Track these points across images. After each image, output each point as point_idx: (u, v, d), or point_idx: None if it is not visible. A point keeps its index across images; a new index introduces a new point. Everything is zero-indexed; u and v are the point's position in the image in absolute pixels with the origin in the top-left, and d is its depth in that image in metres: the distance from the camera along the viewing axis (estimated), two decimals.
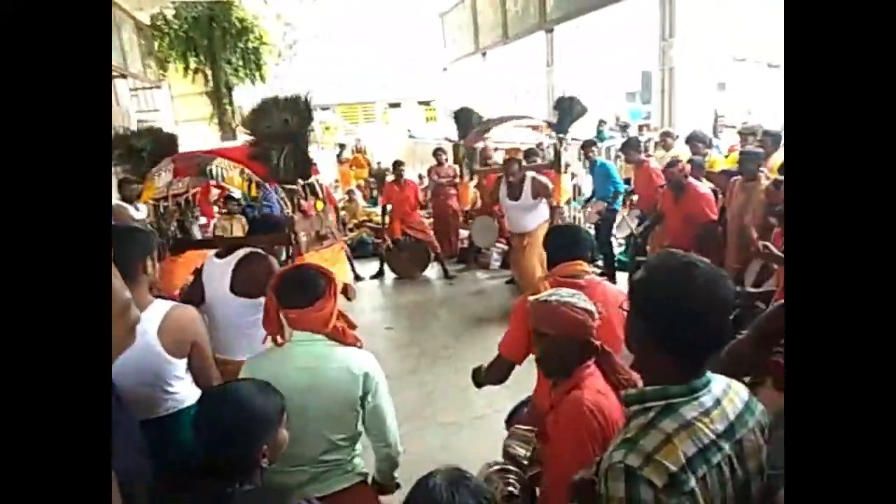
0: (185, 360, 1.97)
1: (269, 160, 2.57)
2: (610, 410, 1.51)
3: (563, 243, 2.33)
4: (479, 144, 6.48)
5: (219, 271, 2.54)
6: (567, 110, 5.29)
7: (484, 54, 12.57)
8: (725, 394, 1.13)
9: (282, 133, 2.57)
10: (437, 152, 7.34)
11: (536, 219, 5.13)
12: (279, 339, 1.80)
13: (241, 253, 2.56)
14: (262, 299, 1.93)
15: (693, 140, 5.35)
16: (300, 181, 2.67)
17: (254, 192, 6.71)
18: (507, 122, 6.31)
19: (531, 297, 1.72)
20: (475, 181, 6.63)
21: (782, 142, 4.72)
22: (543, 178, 5.15)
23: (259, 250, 2.60)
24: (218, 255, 2.64)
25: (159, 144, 3.00)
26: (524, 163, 5.48)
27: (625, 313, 1.20)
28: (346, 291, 2.81)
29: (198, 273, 2.71)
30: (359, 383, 1.75)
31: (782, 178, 3.64)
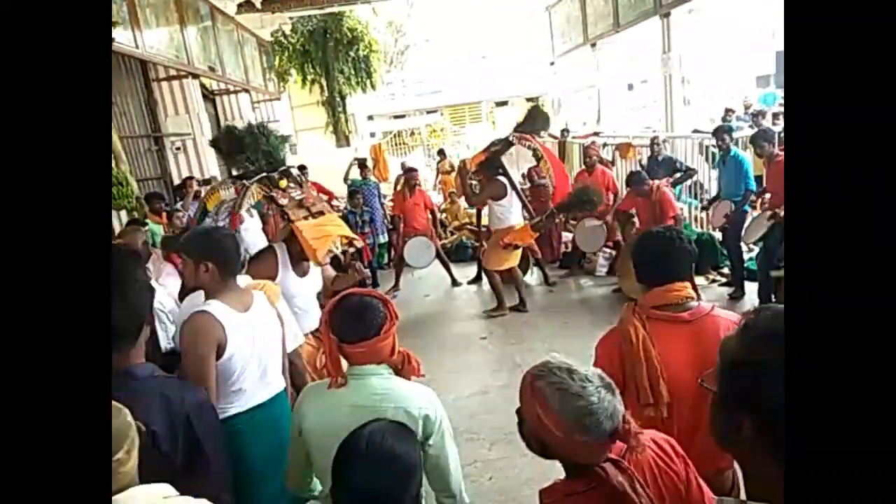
0: None
1: None
2: None
3: (654, 259, 1.78)
4: (585, 141, 6.07)
5: None
6: (533, 118, 5.77)
7: (594, 45, 11.86)
8: None
9: None
10: (535, 151, 6.93)
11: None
12: (340, 380, 1.62)
13: None
14: None
15: None
16: None
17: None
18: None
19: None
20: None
21: None
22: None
23: None
24: None
25: None
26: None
27: (709, 392, 0.87)
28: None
29: None
30: (418, 426, 1.55)
31: None
